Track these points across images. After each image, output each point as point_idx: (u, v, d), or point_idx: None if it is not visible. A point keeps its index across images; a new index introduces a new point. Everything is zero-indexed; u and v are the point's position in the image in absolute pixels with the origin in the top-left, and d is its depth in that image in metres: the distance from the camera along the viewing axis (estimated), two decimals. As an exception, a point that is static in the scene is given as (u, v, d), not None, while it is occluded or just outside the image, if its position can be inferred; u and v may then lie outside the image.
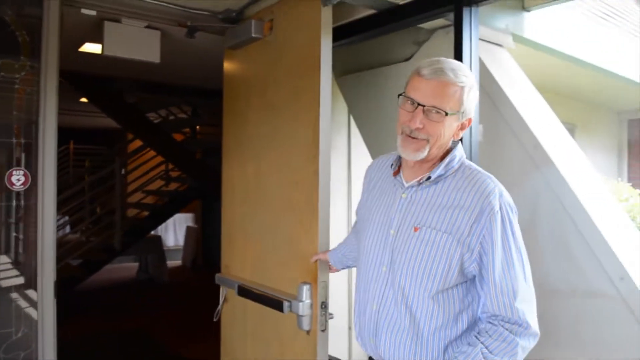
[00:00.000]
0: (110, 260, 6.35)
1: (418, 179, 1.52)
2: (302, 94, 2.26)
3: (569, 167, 2.25)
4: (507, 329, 1.40)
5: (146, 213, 6.88)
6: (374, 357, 1.61)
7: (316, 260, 2.13)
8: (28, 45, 2.43)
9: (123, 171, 6.37)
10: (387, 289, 1.53)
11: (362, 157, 3.38)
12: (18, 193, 2.38)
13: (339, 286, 3.58)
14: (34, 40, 2.43)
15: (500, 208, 1.41)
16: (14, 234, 2.40)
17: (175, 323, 5.77)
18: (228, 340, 2.78)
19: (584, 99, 6.03)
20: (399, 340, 1.50)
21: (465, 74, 1.47)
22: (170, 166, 7.16)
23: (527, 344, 1.41)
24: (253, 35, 2.53)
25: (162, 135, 6.09)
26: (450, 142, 1.53)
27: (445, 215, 1.45)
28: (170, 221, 9.41)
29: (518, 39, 2.96)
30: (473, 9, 2.12)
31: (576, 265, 2.11)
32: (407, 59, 2.80)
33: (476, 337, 1.43)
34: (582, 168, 2.34)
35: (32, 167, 2.41)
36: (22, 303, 2.38)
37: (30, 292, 2.41)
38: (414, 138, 1.47)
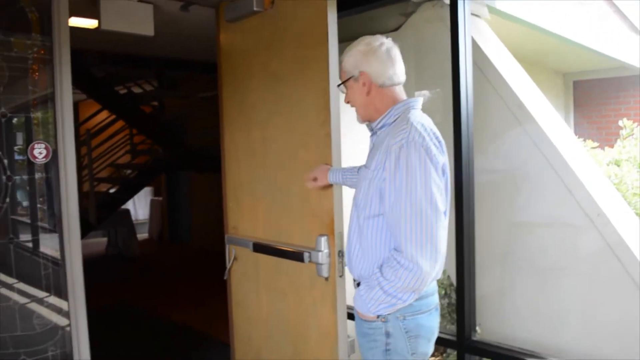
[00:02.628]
0: (86, 235, 6.39)
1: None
2: (309, 63, 2.45)
3: (546, 123, 2.57)
4: (394, 257, 1.63)
5: (116, 187, 6.91)
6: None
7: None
8: (38, 21, 2.50)
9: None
10: (349, 219, 1.88)
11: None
12: (40, 166, 2.49)
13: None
14: (43, 16, 2.50)
15: (401, 146, 1.62)
16: (38, 205, 2.52)
17: (158, 293, 5.93)
18: (241, 296, 3.00)
19: (533, 62, 6.44)
20: (349, 259, 1.87)
21: (348, 48, 1.87)
22: (137, 140, 7.20)
23: (409, 274, 1.59)
24: (255, 8, 2.68)
25: (134, 108, 6.11)
26: (392, 100, 1.82)
27: (374, 156, 1.76)
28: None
29: (491, 9, 3.23)
30: (467, -15, 2.37)
31: (557, 205, 2.46)
32: (395, 30, 3.04)
33: (382, 263, 1.71)
34: (556, 123, 2.67)
35: (50, 141, 2.51)
36: (53, 267, 2.52)
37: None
38: None
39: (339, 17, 2.40)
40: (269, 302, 2.80)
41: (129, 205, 10.23)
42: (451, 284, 3.89)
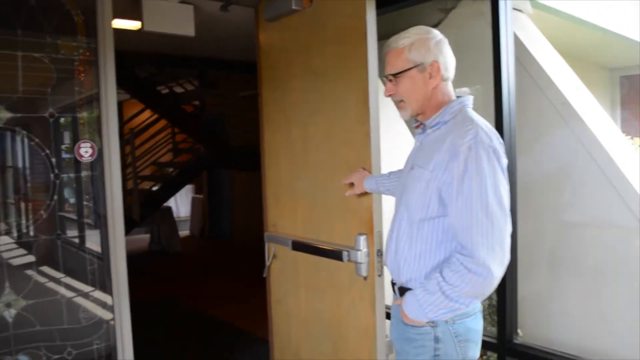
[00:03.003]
0: (130, 232, 6.56)
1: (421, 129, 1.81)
2: (348, 62, 2.44)
3: (592, 120, 2.49)
4: (460, 261, 1.56)
5: (158, 185, 7.07)
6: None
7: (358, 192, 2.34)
8: (83, 24, 2.57)
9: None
10: (394, 220, 1.82)
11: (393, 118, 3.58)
12: (86, 164, 2.56)
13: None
14: (88, 19, 2.57)
15: (470, 147, 1.55)
16: (84, 202, 2.59)
17: (199, 289, 6.04)
18: (280, 293, 3.02)
19: (578, 57, 6.26)
20: (394, 262, 1.78)
21: (406, 36, 1.72)
22: (178, 138, 7.34)
23: (479, 279, 1.53)
24: (293, 7, 2.69)
25: (176, 108, 6.25)
26: (448, 97, 1.73)
27: (431, 155, 1.66)
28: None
29: (534, 4, 3.16)
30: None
31: (603, 205, 2.39)
32: (435, 26, 2.99)
33: (442, 267, 1.64)
34: (603, 120, 2.59)
35: (96, 140, 2.58)
36: (98, 262, 2.60)
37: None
38: (397, 103, 1.78)
39: (377, 14, 2.38)
40: (307, 300, 2.81)
41: (171, 202, 10.47)
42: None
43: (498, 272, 1.54)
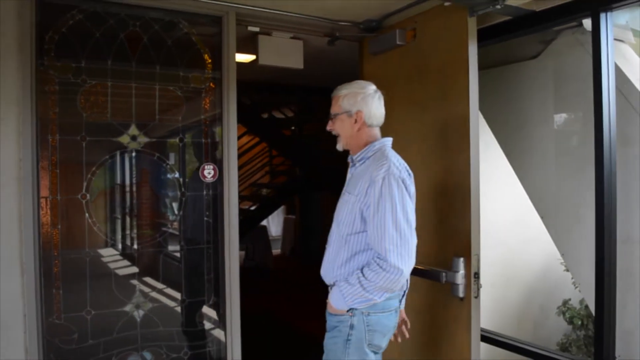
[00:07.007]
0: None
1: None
2: (450, 93, 2.60)
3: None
4: (377, 263, 2.04)
5: (256, 205, 7.46)
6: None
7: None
8: (210, 59, 2.90)
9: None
10: (330, 234, 2.29)
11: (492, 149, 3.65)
12: (208, 184, 2.86)
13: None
14: (215, 55, 2.89)
15: (383, 178, 2.03)
16: (205, 218, 2.89)
17: (293, 305, 6.28)
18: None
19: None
20: (326, 267, 2.25)
21: (345, 87, 2.24)
22: (275, 161, 7.73)
23: (391, 276, 2.00)
24: (398, 42, 2.89)
25: (276, 132, 6.62)
26: (372, 138, 2.21)
27: (356, 184, 2.14)
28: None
29: (636, 33, 3.16)
30: (608, 14, 2.39)
31: None
32: (534, 57, 3.08)
33: (362, 267, 2.10)
34: None
35: (217, 162, 2.88)
36: (214, 274, 2.89)
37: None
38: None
39: (478, 46, 2.51)
40: (403, 318, 2.93)
41: (264, 221, 10.92)
42: (589, 315, 3.75)
43: (406, 271, 2.03)
